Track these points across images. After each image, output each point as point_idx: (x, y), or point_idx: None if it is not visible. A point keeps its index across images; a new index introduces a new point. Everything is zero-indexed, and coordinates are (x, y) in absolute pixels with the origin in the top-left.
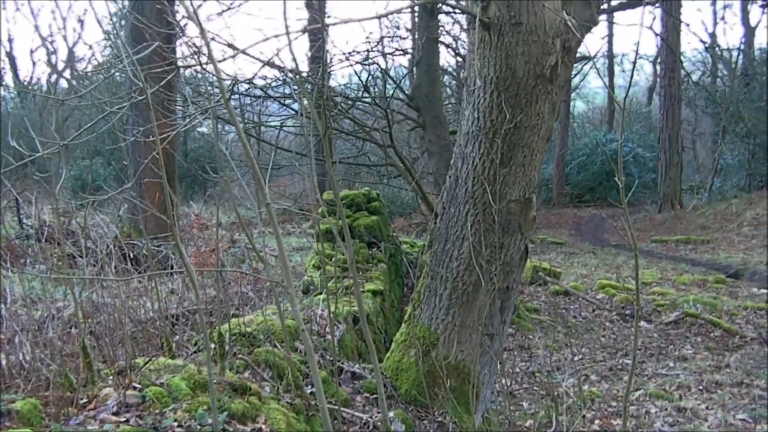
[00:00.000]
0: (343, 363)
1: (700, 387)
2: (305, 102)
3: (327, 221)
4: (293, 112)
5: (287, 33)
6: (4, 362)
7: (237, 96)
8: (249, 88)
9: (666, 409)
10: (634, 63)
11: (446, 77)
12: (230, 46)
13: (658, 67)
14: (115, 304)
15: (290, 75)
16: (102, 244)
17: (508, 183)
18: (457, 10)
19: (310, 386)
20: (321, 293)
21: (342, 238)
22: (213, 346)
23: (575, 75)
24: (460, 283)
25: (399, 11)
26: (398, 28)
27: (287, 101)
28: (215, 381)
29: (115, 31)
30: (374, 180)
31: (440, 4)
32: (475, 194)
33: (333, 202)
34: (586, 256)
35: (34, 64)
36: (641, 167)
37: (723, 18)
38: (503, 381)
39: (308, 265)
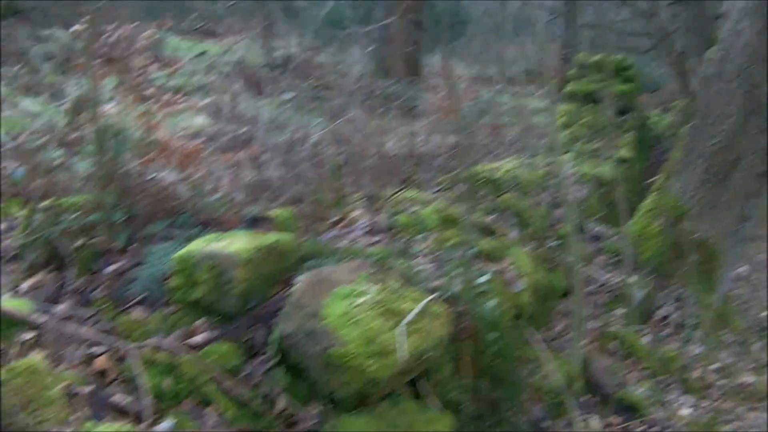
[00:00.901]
0: (586, 223)
1: None
2: None
3: (576, 84)
4: None
5: None
6: (254, 177)
7: None
8: None
9: None
10: None
11: None
12: None
13: None
14: (361, 137)
15: None
16: (349, 80)
17: None
18: None
19: (551, 239)
20: (566, 152)
21: (593, 101)
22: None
23: None
24: (717, 160)
25: None
26: None
27: None
28: (464, 219)
29: None
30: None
31: None
32: (745, 72)
33: (585, 64)
34: None
35: None
36: None
37: None
38: (746, 266)
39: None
